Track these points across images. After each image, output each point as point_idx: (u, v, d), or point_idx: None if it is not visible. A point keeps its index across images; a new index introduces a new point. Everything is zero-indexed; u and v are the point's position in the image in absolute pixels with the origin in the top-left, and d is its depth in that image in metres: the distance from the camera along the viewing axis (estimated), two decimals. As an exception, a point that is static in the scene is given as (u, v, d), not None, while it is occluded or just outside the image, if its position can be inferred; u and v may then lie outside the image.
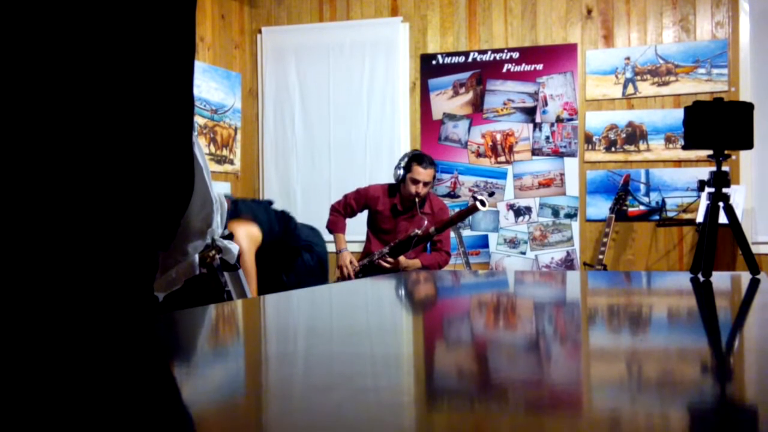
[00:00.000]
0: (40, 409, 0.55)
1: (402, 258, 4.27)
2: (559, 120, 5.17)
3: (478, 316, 1.38)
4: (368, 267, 4.34)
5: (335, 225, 4.51)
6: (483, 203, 3.96)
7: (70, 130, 0.85)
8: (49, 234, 0.86)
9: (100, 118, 0.87)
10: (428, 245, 4.52)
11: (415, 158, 4.33)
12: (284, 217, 3.61)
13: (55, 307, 0.89)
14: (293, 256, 3.55)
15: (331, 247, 4.45)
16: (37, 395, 0.59)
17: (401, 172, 4.34)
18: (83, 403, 0.57)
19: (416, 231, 4.13)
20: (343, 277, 4.36)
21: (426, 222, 4.27)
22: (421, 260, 4.38)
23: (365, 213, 4.57)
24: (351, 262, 4.40)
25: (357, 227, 4.71)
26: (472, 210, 4.07)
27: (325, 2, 5.69)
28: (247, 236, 3.38)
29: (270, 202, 3.85)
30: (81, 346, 0.82)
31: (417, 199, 4.31)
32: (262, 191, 5.73)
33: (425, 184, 4.30)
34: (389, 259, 4.24)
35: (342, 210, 4.52)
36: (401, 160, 4.39)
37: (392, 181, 4.50)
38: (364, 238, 4.64)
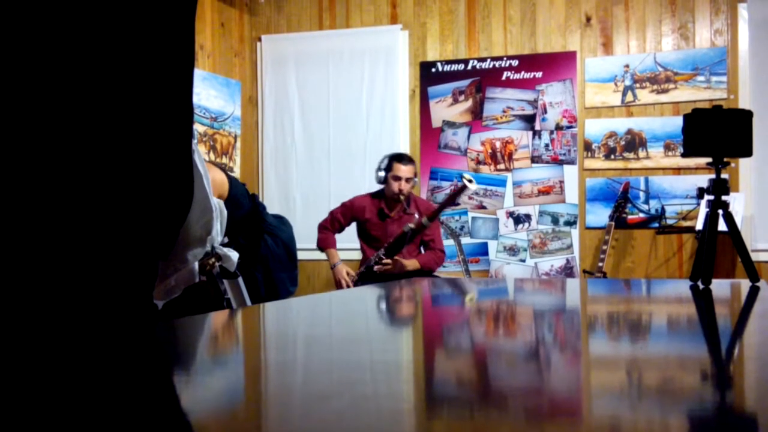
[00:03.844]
0: (41, 416, 0.55)
1: (399, 258, 4.29)
2: (558, 127, 5.18)
3: (478, 324, 1.38)
4: (366, 274, 4.34)
5: (325, 242, 4.56)
6: (471, 181, 4.07)
7: (69, 138, 0.85)
8: (49, 242, 0.86)
9: (99, 127, 0.87)
10: (422, 248, 4.54)
11: (394, 157, 4.43)
12: (254, 197, 3.62)
13: (55, 315, 0.89)
14: (257, 237, 3.52)
15: (310, 254, 4.46)
16: (38, 402, 0.58)
17: (382, 173, 4.43)
18: (83, 411, 0.57)
19: (409, 225, 4.18)
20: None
21: (416, 216, 4.32)
22: (417, 260, 4.40)
23: (355, 226, 4.61)
24: (348, 274, 4.44)
25: (352, 235, 4.72)
26: (460, 190, 4.13)
27: (325, 10, 5.71)
28: (213, 180, 3.33)
29: (243, 184, 3.85)
30: (81, 354, 0.82)
31: (402, 197, 4.35)
32: (261, 198, 5.72)
33: (407, 180, 4.38)
34: (386, 260, 4.25)
35: (330, 226, 4.57)
36: (381, 162, 4.49)
37: (378, 188, 4.56)
38: (357, 246, 4.66)
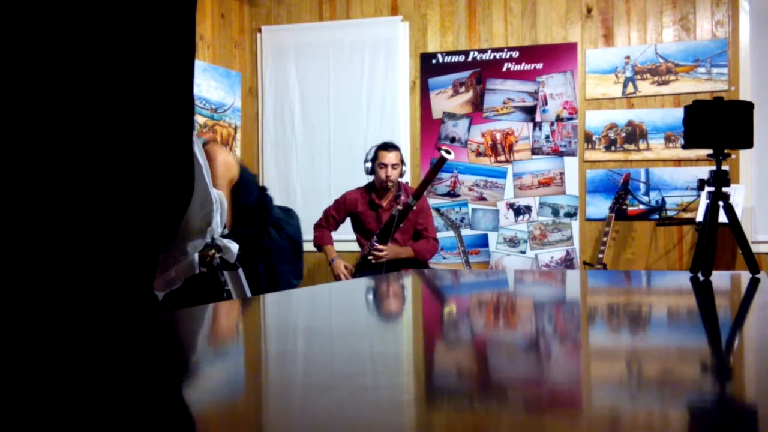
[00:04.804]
0: (41, 408, 0.55)
1: (393, 245, 4.31)
2: (559, 119, 5.17)
3: (478, 315, 1.38)
4: (364, 264, 4.37)
5: (321, 239, 4.61)
6: (448, 152, 4.17)
7: (70, 130, 0.85)
8: (49, 234, 0.86)
9: (99, 119, 0.87)
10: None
11: (380, 146, 4.49)
12: (263, 189, 3.63)
13: (55, 306, 0.89)
14: (261, 229, 3.53)
15: (310, 246, 4.50)
16: (38, 394, 0.59)
17: (369, 164, 4.49)
18: (83, 402, 0.57)
19: (396, 208, 4.22)
20: None
21: (402, 198, 4.37)
22: (412, 248, 4.43)
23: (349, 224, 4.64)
24: (345, 267, 4.48)
25: (348, 227, 4.74)
26: (440, 163, 4.17)
27: (325, 1, 5.69)
28: (224, 163, 3.29)
29: (255, 175, 3.88)
30: (81, 345, 0.82)
31: (390, 184, 4.38)
32: (261, 190, 5.72)
33: (393, 166, 4.42)
34: (380, 246, 4.28)
35: (325, 224, 4.62)
36: (367, 154, 4.55)
37: (366, 182, 4.59)
38: (354, 237, 4.68)
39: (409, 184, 5.01)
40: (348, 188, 4.69)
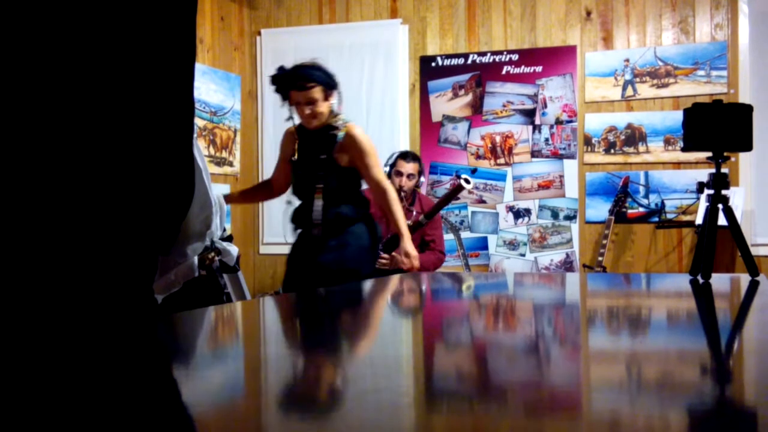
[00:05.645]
0: (41, 410, 0.55)
1: (396, 255, 4.30)
2: (558, 122, 5.17)
3: (478, 318, 1.38)
4: None
5: None
6: (467, 181, 4.14)
7: (70, 133, 0.85)
8: (50, 237, 0.86)
9: (100, 122, 0.87)
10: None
11: (400, 154, 4.53)
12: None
13: (55, 309, 0.89)
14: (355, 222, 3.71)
15: None
16: (38, 397, 0.59)
17: (387, 169, 4.50)
18: (84, 405, 0.57)
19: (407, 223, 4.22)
20: None
21: (415, 213, 4.38)
22: None
23: None
24: None
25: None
26: (457, 190, 4.16)
27: (325, 4, 5.69)
28: (369, 140, 3.53)
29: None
30: (81, 348, 0.82)
31: (402, 193, 4.40)
32: (261, 193, 5.71)
33: (409, 176, 4.44)
34: (384, 256, 4.28)
35: None
36: (388, 159, 4.57)
37: None
38: None
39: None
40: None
